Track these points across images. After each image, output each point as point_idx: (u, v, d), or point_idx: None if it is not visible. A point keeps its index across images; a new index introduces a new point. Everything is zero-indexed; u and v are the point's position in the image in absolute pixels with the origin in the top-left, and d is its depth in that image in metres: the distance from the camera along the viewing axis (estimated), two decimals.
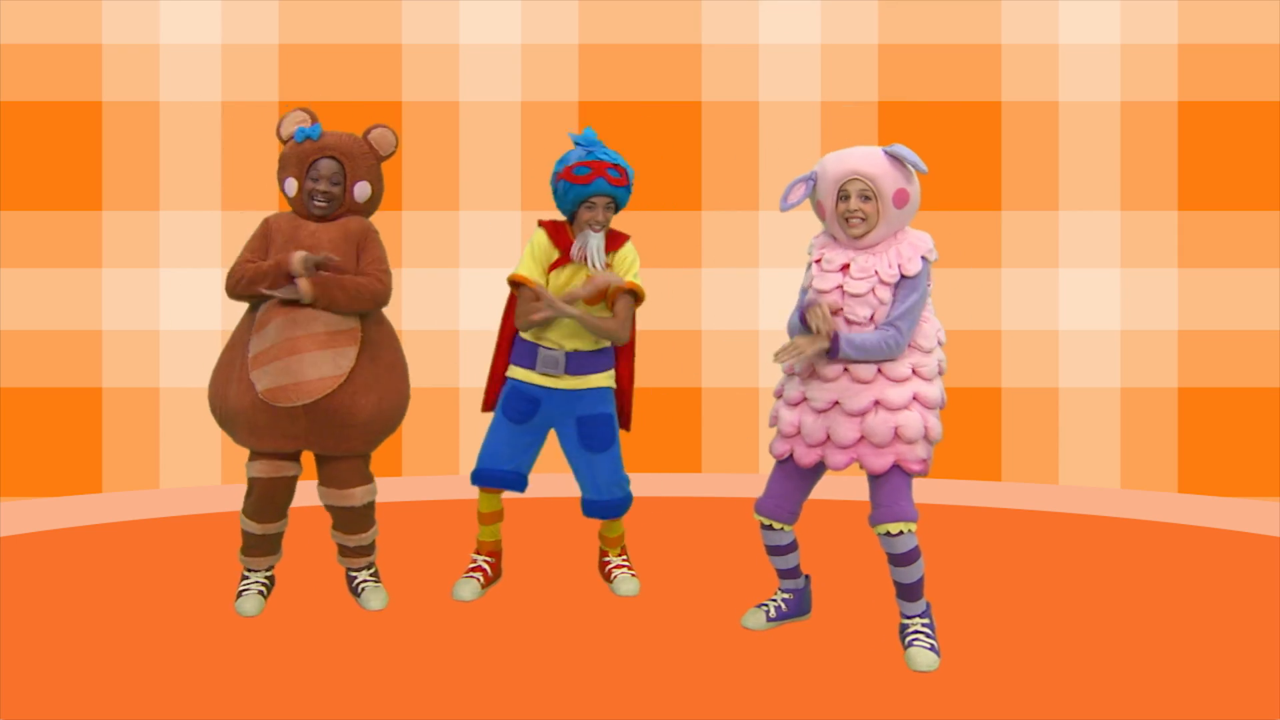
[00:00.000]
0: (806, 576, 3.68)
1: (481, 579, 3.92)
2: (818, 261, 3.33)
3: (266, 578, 3.78)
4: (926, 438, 3.24)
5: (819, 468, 3.36)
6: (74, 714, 2.96)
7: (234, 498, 4.62)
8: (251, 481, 3.66)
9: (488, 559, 3.98)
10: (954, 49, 5.72)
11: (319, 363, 3.54)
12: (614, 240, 3.78)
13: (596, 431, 3.81)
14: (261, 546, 3.73)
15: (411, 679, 3.20)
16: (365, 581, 3.83)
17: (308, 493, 4.00)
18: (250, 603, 3.68)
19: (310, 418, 3.56)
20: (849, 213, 3.23)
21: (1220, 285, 5.65)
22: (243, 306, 3.77)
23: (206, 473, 5.64)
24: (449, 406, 5.73)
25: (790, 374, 3.37)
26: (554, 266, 3.73)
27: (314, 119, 3.73)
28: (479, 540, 3.99)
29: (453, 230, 5.76)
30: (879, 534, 3.27)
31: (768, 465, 5.49)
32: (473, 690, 3.13)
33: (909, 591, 3.31)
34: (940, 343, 3.31)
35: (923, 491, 3.94)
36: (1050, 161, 5.72)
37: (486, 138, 5.75)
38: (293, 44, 5.70)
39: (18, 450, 5.56)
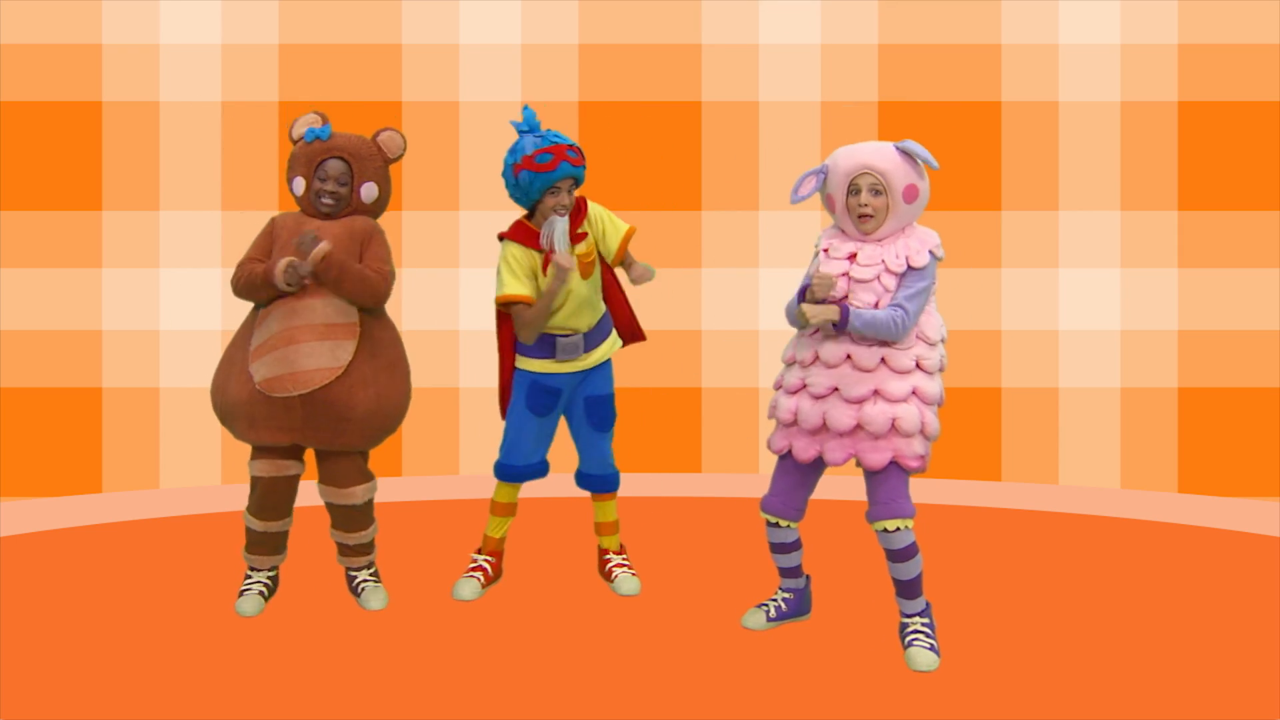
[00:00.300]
0: (807, 576, 3.68)
1: (482, 579, 3.92)
2: (825, 251, 3.35)
3: (269, 578, 3.78)
4: (924, 433, 3.24)
5: (819, 464, 3.36)
6: (74, 714, 2.97)
7: (234, 498, 4.62)
8: (254, 480, 3.67)
9: (488, 559, 3.98)
10: (954, 49, 5.72)
11: (316, 353, 3.54)
12: (578, 211, 3.74)
13: (602, 411, 3.89)
14: (264, 545, 3.73)
15: (412, 679, 3.20)
16: (365, 581, 3.83)
17: (310, 493, 4.00)
18: (250, 603, 3.69)
19: (306, 409, 3.56)
20: (859, 206, 3.25)
21: (1220, 285, 5.65)
22: (246, 305, 3.78)
23: (206, 473, 5.64)
24: (449, 406, 5.73)
25: (790, 363, 3.37)
26: (546, 265, 3.71)
27: (325, 120, 3.75)
28: (485, 535, 3.98)
29: (453, 230, 5.76)
30: (877, 530, 3.27)
31: (768, 465, 5.49)
32: (473, 690, 3.13)
33: (907, 589, 3.31)
34: (942, 339, 3.31)
35: (923, 491, 3.94)
36: (1050, 161, 5.72)
37: (486, 138, 5.74)
38: (293, 44, 5.70)
39: (18, 450, 5.56)
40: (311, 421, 3.58)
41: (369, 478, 3.74)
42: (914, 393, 3.23)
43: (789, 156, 5.68)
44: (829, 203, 3.36)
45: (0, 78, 5.58)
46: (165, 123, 5.67)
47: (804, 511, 3.47)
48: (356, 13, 5.72)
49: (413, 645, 3.45)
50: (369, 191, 3.74)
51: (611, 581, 3.99)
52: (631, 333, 3.98)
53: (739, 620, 3.63)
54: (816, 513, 4.22)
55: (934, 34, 5.72)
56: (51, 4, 5.61)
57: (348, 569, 3.88)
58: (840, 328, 3.20)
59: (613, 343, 3.91)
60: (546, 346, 3.77)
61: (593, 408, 3.87)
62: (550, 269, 3.65)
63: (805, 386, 3.30)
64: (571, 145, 3.63)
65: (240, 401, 3.60)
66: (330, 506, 3.75)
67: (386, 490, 5.34)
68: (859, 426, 3.23)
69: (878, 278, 3.24)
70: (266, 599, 3.75)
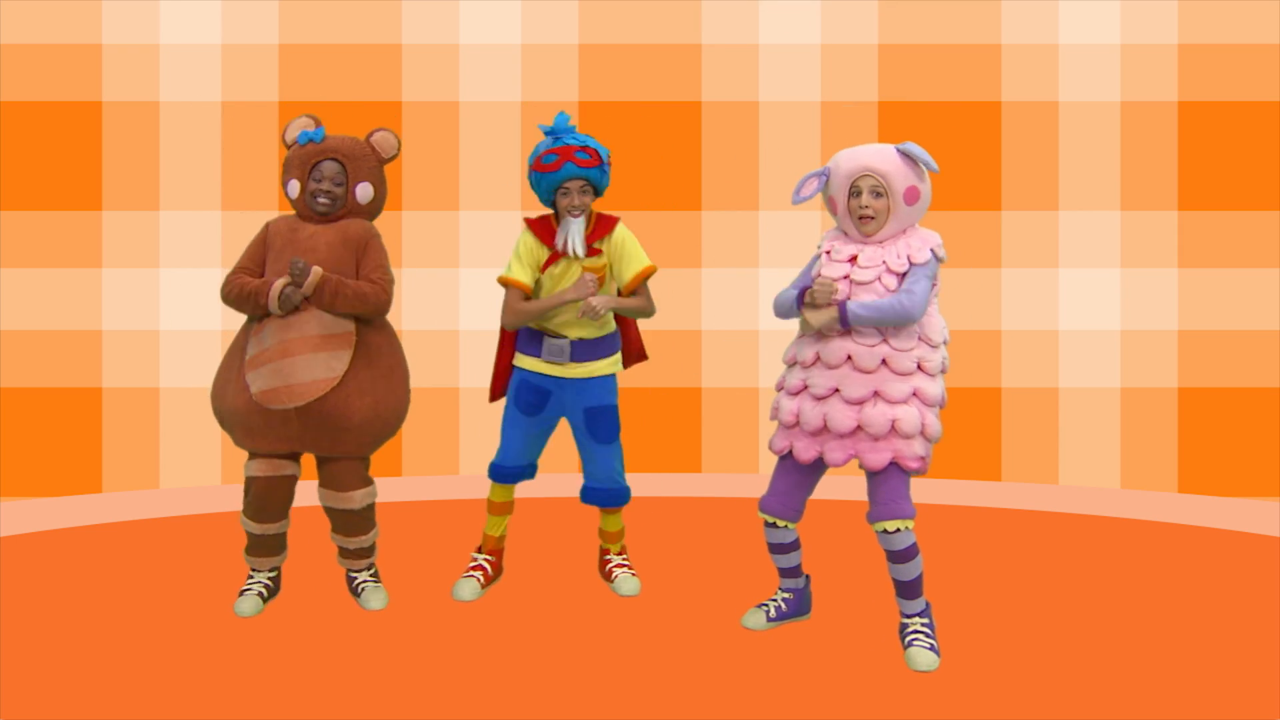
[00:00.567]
0: (806, 576, 3.68)
1: (481, 578, 3.92)
2: (827, 253, 3.35)
3: (269, 579, 3.78)
4: (924, 434, 3.24)
5: (820, 465, 3.36)
6: (74, 714, 2.96)
7: (234, 498, 4.62)
8: (249, 481, 3.67)
9: (488, 558, 3.98)
10: (954, 49, 5.72)
11: (312, 365, 3.54)
12: (604, 225, 3.74)
13: (601, 423, 3.82)
14: (262, 546, 3.73)
15: (412, 679, 3.20)
16: (365, 582, 3.83)
17: (309, 493, 4.00)
18: (248, 604, 3.68)
19: (303, 420, 3.56)
20: (860, 208, 3.26)
21: (1220, 285, 5.65)
22: None
23: (206, 473, 5.64)
24: (449, 406, 5.73)
25: (792, 364, 3.37)
26: (548, 264, 3.72)
27: (318, 123, 3.75)
28: (485, 534, 3.98)
29: (453, 230, 5.76)
30: (877, 531, 3.28)
31: (768, 465, 5.49)
32: (473, 690, 3.13)
33: (907, 589, 3.31)
34: (944, 341, 3.32)
35: (923, 491, 3.94)
36: (1050, 161, 5.72)
37: (486, 138, 5.75)
38: (293, 44, 5.70)
39: (18, 450, 5.56)
40: (309, 431, 3.58)
41: (368, 482, 3.74)
42: (915, 394, 3.23)
43: (789, 156, 5.68)
44: (831, 205, 3.37)
45: (0, 78, 5.58)
46: (165, 123, 5.67)
47: (802, 512, 3.47)
48: (356, 13, 5.72)
49: (413, 645, 3.45)
50: (364, 192, 3.73)
51: (611, 581, 3.99)
52: (637, 355, 4.01)
53: (739, 620, 3.63)
54: (816, 513, 4.23)
55: (934, 34, 5.72)
56: (51, 4, 5.61)
57: (348, 570, 3.88)
58: (845, 324, 3.20)
59: (612, 363, 3.86)
60: (536, 343, 3.79)
61: (593, 419, 3.82)
62: (571, 287, 3.66)
63: (806, 388, 3.30)
64: (583, 147, 3.61)
65: (237, 410, 3.60)
66: (329, 510, 3.74)
67: (386, 490, 5.34)
68: (859, 428, 3.23)
69: (879, 278, 3.24)
70: (265, 600, 3.74)
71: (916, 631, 3.32)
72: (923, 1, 5.73)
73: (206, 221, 5.66)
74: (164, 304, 5.66)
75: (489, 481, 3.98)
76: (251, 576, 3.77)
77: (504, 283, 3.74)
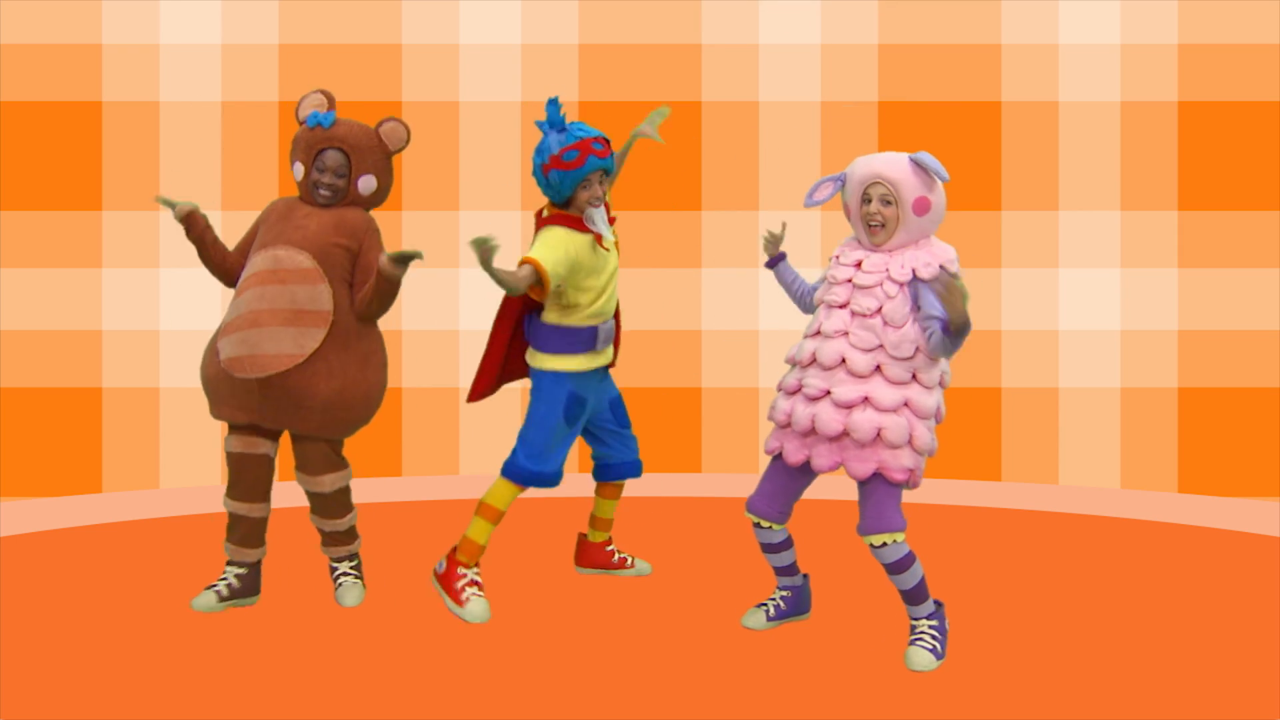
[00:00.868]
0: (805, 575, 3.68)
1: (483, 594, 3.77)
2: (836, 256, 3.36)
3: (237, 576, 3.72)
4: (913, 446, 3.21)
5: (808, 469, 3.35)
6: (74, 714, 2.96)
7: None
8: (226, 456, 3.68)
9: (476, 570, 3.76)
10: (954, 49, 5.72)
11: (279, 338, 3.54)
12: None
13: (623, 408, 4.00)
14: (236, 529, 3.71)
15: (412, 679, 3.20)
16: (345, 576, 3.84)
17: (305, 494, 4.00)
18: (204, 599, 3.67)
19: (264, 392, 3.57)
20: (869, 215, 3.26)
21: (1220, 285, 5.65)
22: None
23: (206, 473, 5.64)
24: (449, 406, 5.72)
25: (792, 364, 3.38)
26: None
27: (331, 103, 3.75)
28: (473, 542, 3.72)
29: (453, 230, 5.76)
30: (867, 544, 3.28)
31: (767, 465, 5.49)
32: (473, 690, 3.13)
33: (910, 596, 3.31)
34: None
35: (923, 491, 3.93)
36: (1050, 161, 5.72)
37: (486, 138, 5.75)
38: (293, 44, 5.70)
39: (18, 450, 5.56)
40: (269, 405, 3.59)
41: (338, 467, 3.72)
42: (906, 404, 3.20)
43: (789, 156, 5.68)
44: (846, 210, 3.37)
45: (0, 78, 5.58)
46: (165, 123, 5.67)
47: (788, 514, 3.46)
48: (356, 13, 5.72)
49: (413, 646, 3.45)
50: (367, 184, 3.73)
51: (631, 568, 4.13)
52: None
53: (739, 620, 3.63)
54: (815, 513, 4.23)
55: (934, 34, 5.72)
56: (51, 4, 5.61)
57: (330, 560, 3.87)
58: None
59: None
60: (588, 339, 3.69)
61: (617, 407, 3.96)
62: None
63: (801, 388, 3.30)
64: (597, 137, 3.58)
65: (209, 377, 3.68)
66: (306, 492, 3.76)
67: (386, 490, 5.35)
68: (846, 432, 3.22)
69: (880, 284, 3.24)
70: (226, 599, 3.69)
71: (921, 633, 3.31)
72: (923, 1, 5.73)
73: None
74: (164, 304, 5.65)
75: (490, 486, 3.82)
76: (224, 573, 3.75)
77: (534, 265, 3.50)
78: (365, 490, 4.96)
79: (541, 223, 3.67)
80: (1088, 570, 4.21)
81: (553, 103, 3.63)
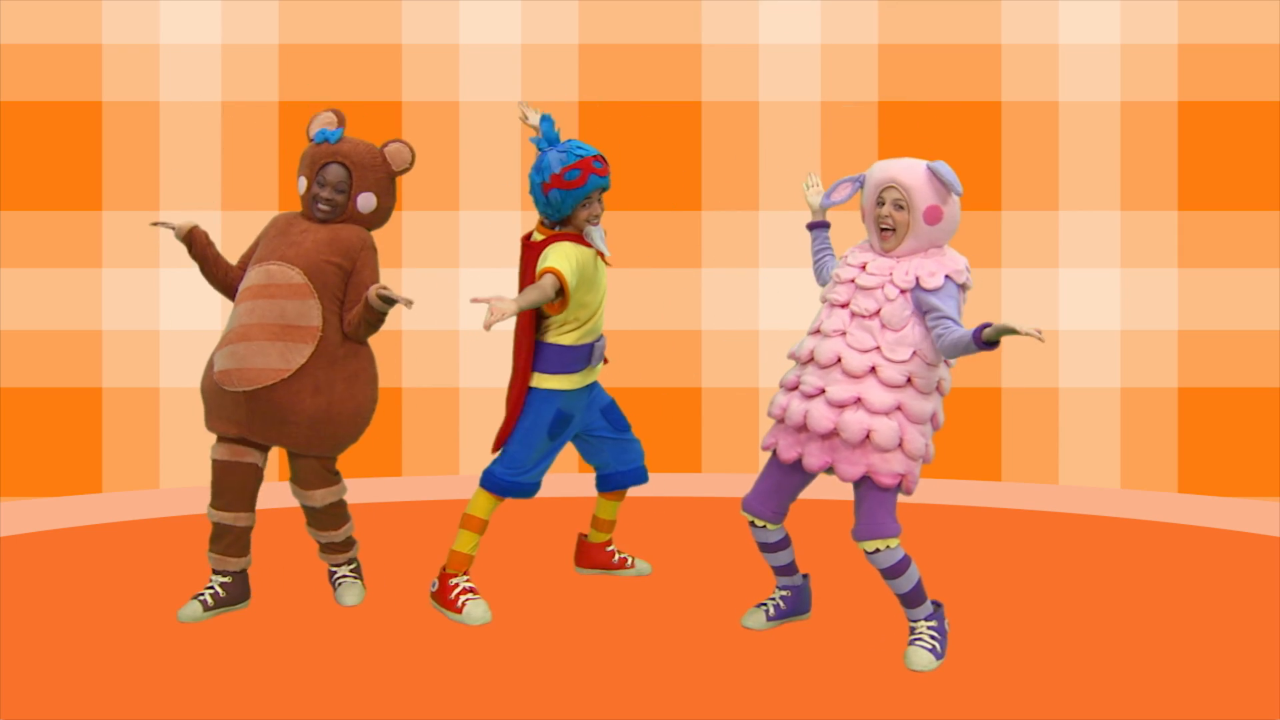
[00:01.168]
0: (805, 575, 3.68)
1: (479, 595, 3.76)
2: (845, 257, 3.37)
3: (223, 585, 3.70)
4: (904, 450, 3.20)
5: (802, 468, 3.34)
6: (74, 714, 2.97)
7: None
8: (212, 464, 3.69)
9: (467, 577, 3.75)
10: (954, 49, 5.72)
11: (265, 353, 3.55)
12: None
13: (617, 412, 3.97)
14: (220, 538, 3.69)
15: (412, 679, 3.20)
16: (344, 577, 3.85)
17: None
18: (189, 609, 3.65)
19: (251, 406, 3.58)
20: (880, 219, 3.26)
21: (1220, 285, 5.64)
22: None
23: (206, 473, 5.60)
24: (449, 406, 5.72)
25: (794, 359, 3.38)
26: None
27: (341, 122, 3.75)
28: (465, 555, 3.71)
29: (453, 230, 5.76)
30: (861, 549, 3.28)
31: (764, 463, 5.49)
32: (473, 690, 3.13)
33: (908, 600, 3.31)
34: (948, 363, 3.30)
35: (923, 491, 3.93)
36: (1050, 161, 5.72)
37: (486, 138, 5.75)
38: (293, 44, 5.69)
39: (18, 450, 5.56)
40: (255, 419, 3.60)
41: (330, 482, 3.72)
42: (899, 408, 3.20)
43: (789, 156, 5.68)
44: (863, 212, 3.38)
45: (0, 78, 5.58)
46: (165, 123, 5.67)
47: (784, 514, 3.45)
48: (356, 13, 5.72)
49: (412, 646, 3.45)
50: (366, 201, 3.73)
51: (632, 568, 4.14)
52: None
53: (739, 620, 3.64)
54: (815, 513, 4.23)
55: (934, 34, 5.71)
56: (51, 4, 5.60)
57: (329, 564, 3.89)
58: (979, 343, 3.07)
59: None
60: (584, 357, 3.70)
61: (610, 413, 3.94)
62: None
63: (799, 385, 3.30)
64: (596, 155, 3.57)
65: (204, 389, 3.70)
66: (301, 504, 3.76)
67: (386, 490, 5.35)
68: (836, 432, 3.21)
69: (881, 287, 3.24)
70: (212, 608, 3.66)
71: (921, 633, 3.32)
72: (923, 1, 5.73)
73: (207, 222, 5.59)
74: (164, 304, 5.65)
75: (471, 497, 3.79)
76: (209, 582, 3.74)
77: (558, 276, 3.49)
78: (365, 490, 4.97)
79: (537, 245, 3.65)
80: (1088, 570, 4.21)
81: (547, 120, 3.63)
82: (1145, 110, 5.68)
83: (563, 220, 3.62)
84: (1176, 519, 4.99)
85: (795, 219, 5.13)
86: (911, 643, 3.31)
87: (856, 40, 5.75)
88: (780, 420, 3.34)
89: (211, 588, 3.69)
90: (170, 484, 5.63)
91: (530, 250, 3.67)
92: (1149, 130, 5.67)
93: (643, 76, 5.75)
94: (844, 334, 3.25)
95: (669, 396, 5.75)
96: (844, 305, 3.28)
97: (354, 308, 3.65)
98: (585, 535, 4.18)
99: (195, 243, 3.76)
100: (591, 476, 4.13)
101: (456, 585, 3.70)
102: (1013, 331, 2.93)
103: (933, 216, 3.23)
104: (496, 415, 3.96)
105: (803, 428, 3.26)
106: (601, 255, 3.64)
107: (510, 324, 3.70)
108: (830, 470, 3.27)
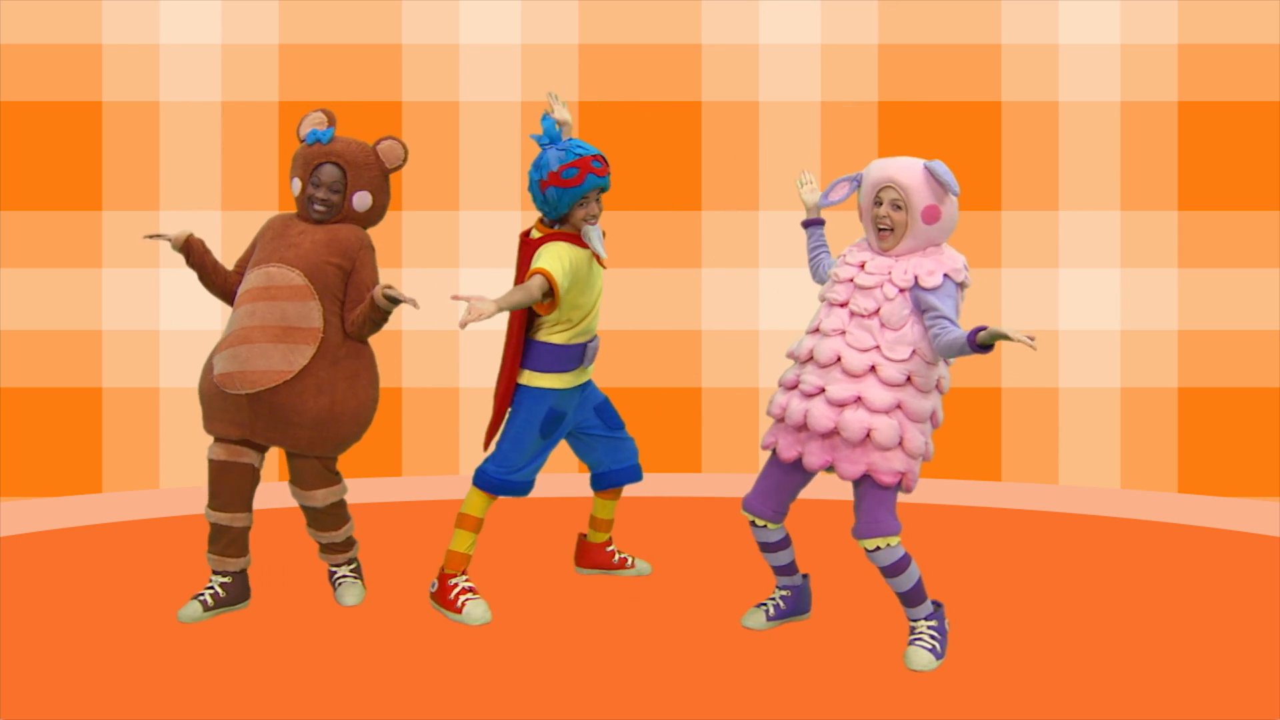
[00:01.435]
0: (805, 575, 3.68)
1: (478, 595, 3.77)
2: (844, 256, 3.37)
3: (222, 585, 3.70)
4: (904, 449, 3.20)
5: (802, 467, 3.35)
6: (74, 714, 2.97)
7: None
8: (209, 465, 3.68)
9: (465, 577, 3.75)
10: (954, 49, 5.72)
11: (268, 355, 3.55)
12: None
13: (611, 410, 3.95)
14: (218, 539, 3.69)
15: (412, 679, 3.20)
16: (344, 577, 3.86)
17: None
18: (189, 609, 3.64)
19: (254, 409, 3.58)
20: (878, 219, 3.26)
21: (1220, 285, 5.64)
22: None
23: (206, 473, 5.63)
24: (449, 406, 5.72)
25: (793, 359, 3.38)
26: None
27: (332, 121, 3.75)
28: (463, 555, 3.71)
29: (453, 230, 5.76)
30: (861, 548, 3.28)
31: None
32: (473, 690, 3.13)
33: (908, 599, 3.31)
34: (947, 361, 3.30)
35: (923, 491, 3.93)
36: (1050, 161, 5.72)
37: (486, 138, 5.75)
38: (293, 44, 5.69)
39: (18, 450, 5.56)
40: (259, 421, 3.60)
41: (331, 482, 3.73)
42: (899, 406, 3.20)
43: (789, 156, 5.67)
44: (861, 211, 3.37)
45: (0, 78, 5.58)
46: (165, 123, 5.67)
47: (784, 513, 3.45)
48: (356, 13, 5.72)
49: (412, 646, 3.45)
50: (361, 200, 3.73)
51: (632, 568, 4.14)
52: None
53: (739, 620, 3.64)
54: (815, 513, 4.23)
55: (934, 34, 5.71)
56: (51, 4, 5.60)
57: (329, 564, 3.89)
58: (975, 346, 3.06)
59: None
60: (576, 356, 3.70)
61: (603, 411, 3.93)
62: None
63: (799, 384, 3.30)
64: (596, 155, 3.56)
65: (203, 392, 3.69)
66: (300, 505, 3.76)
67: (386, 490, 5.35)
68: (836, 430, 3.22)
69: (880, 286, 3.24)
70: (212, 608, 3.66)
71: (921, 633, 3.32)
72: (923, 1, 5.73)
73: (206, 221, 5.64)
74: (164, 304, 5.65)
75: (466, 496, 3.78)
76: (209, 582, 3.74)
77: (548, 277, 3.49)
78: (365, 490, 4.97)
79: (534, 242, 3.65)
80: (1088, 570, 4.21)
81: (548, 119, 3.62)
82: (1145, 110, 5.68)
83: (560, 219, 3.62)
84: (1176, 519, 4.99)
85: (795, 219, 5.14)
86: (911, 642, 3.31)
87: (856, 40, 5.75)
88: (780, 419, 3.35)
89: (211, 588, 3.69)
90: (170, 484, 5.63)
91: (527, 247, 3.67)
92: (1149, 130, 5.67)
93: (643, 76, 5.75)
94: (843, 333, 3.25)
95: (669, 396, 5.75)
96: (843, 304, 3.28)
97: (355, 307, 3.65)
98: (585, 535, 4.18)
99: (193, 251, 3.75)
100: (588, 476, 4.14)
101: (456, 585, 3.70)
102: (1005, 337, 2.93)
103: (931, 216, 3.23)
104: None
105: (803, 427, 3.27)
106: (597, 257, 3.64)
107: (504, 321, 3.71)
108: (830, 469, 3.28)
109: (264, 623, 3.64)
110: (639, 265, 5.55)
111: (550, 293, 3.50)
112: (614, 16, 5.76)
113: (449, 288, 5.70)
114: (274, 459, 4.13)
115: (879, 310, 3.22)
